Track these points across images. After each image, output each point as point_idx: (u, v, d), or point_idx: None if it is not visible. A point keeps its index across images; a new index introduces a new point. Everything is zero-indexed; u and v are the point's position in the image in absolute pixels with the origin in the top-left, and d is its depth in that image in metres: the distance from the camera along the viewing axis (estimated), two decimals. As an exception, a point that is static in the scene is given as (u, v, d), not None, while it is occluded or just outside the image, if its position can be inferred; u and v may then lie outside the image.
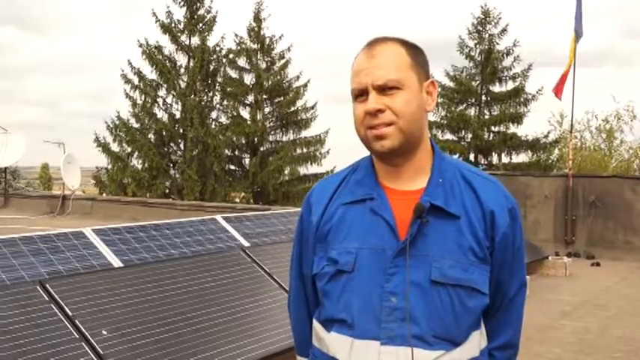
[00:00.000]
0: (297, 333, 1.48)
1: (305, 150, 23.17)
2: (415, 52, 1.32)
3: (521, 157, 22.89)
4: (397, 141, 1.26)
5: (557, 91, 9.53)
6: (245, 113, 23.49)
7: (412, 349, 1.21)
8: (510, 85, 22.85)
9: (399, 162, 1.31)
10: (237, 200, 22.49)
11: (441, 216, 1.27)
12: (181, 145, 22.58)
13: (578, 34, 9.05)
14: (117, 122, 21.77)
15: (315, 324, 1.37)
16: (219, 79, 22.92)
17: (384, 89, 1.25)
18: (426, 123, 1.33)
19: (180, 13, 22.61)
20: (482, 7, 23.24)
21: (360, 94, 1.29)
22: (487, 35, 23.06)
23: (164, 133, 22.01)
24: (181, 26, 22.44)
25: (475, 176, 1.33)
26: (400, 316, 1.22)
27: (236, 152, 23.61)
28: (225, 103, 23.25)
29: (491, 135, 22.94)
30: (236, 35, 23.24)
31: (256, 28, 23.32)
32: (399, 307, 1.23)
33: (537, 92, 22.54)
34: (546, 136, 22.74)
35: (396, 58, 1.28)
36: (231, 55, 22.94)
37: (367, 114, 1.26)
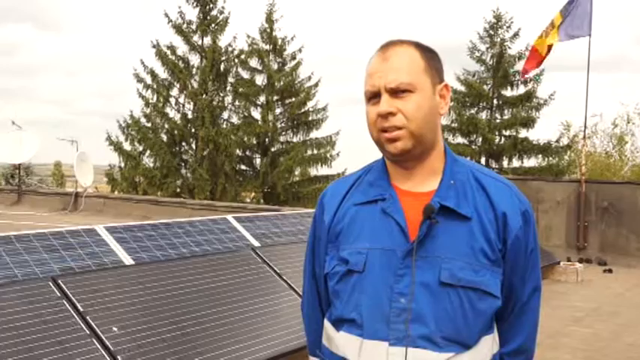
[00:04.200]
0: (309, 333, 1.49)
1: (316, 151, 23.18)
2: (429, 56, 1.32)
3: (532, 162, 22.78)
4: (409, 143, 1.27)
5: (526, 68, 9.59)
6: (256, 114, 23.58)
7: (419, 350, 1.22)
8: (522, 90, 22.74)
9: (411, 164, 1.31)
10: (248, 200, 22.55)
11: (452, 217, 1.26)
12: (193, 145, 22.70)
13: (582, 30, 8.93)
14: (129, 121, 21.93)
15: (326, 324, 1.38)
16: (231, 80, 23.02)
17: (396, 92, 1.26)
18: (439, 126, 1.33)
19: (193, 14, 22.79)
20: (494, 12, 23.22)
21: (373, 97, 1.29)
22: (499, 39, 22.98)
23: (176, 132, 22.15)
24: (194, 26, 22.57)
25: (488, 178, 1.33)
26: (407, 317, 1.23)
27: (247, 152, 23.68)
28: (236, 103, 23.34)
29: (502, 139, 22.83)
30: (248, 36, 23.35)
31: (268, 29, 23.38)
32: (407, 308, 1.23)
33: (549, 97, 22.43)
34: (557, 141, 22.60)
35: (409, 62, 1.28)
36: (243, 56, 23.02)
37: (379, 116, 1.27)
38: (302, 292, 1.53)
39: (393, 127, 1.26)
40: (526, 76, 9.95)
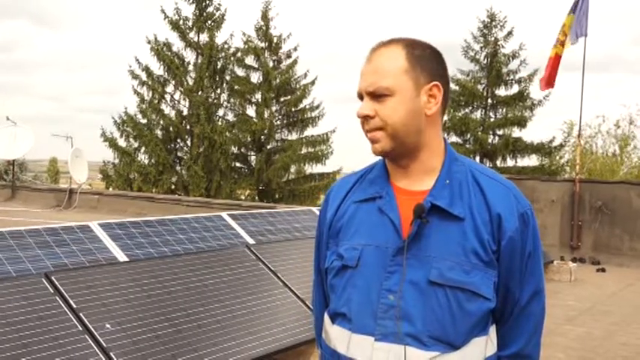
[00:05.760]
0: (317, 326, 1.51)
1: (311, 149, 23.18)
2: (417, 55, 1.29)
3: (526, 161, 22.86)
4: (387, 145, 1.29)
5: (545, 81, 9.61)
6: (252, 111, 23.56)
7: (405, 347, 1.22)
8: (515, 89, 22.80)
9: (404, 163, 1.33)
10: (243, 197, 22.53)
11: (444, 217, 1.27)
12: (188, 142, 22.66)
13: (579, 31, 8.97)
14: (124, 117, 21.87)
15: (325, 316, 1.40)
16: (227, 77, 22.97)
17: (375, 95, 1.27)
18: (429, 125, 1.31)
19: (189, 10, 22.74)
20: (487, 11, 23.26)
21: (360, 97, 1.32)
22: (492, 38, 23.03)
23: (171, 129, 22.11)
24: (190, 23, 22.53)
25: (486, 178, 1.32)
26: (396, 314, 1.24)
27: (242, 150, 23.65)
28: (232, 100, 23.31)
29: (496, 138, 22.89)
30: (244, 34, 23.30)
31: (264, 27, 23.35)
32: (395, 305, 1.24)
33: (544, 97, 22.49)
34: (551, 142, 22.67)
35: (389, 64, 1.27)
36: (239, 54, 22.98)
37: (359, 118, 1.30)
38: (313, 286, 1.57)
39: (371, 129, 1.29)
40: (546, 87, 9.95)
